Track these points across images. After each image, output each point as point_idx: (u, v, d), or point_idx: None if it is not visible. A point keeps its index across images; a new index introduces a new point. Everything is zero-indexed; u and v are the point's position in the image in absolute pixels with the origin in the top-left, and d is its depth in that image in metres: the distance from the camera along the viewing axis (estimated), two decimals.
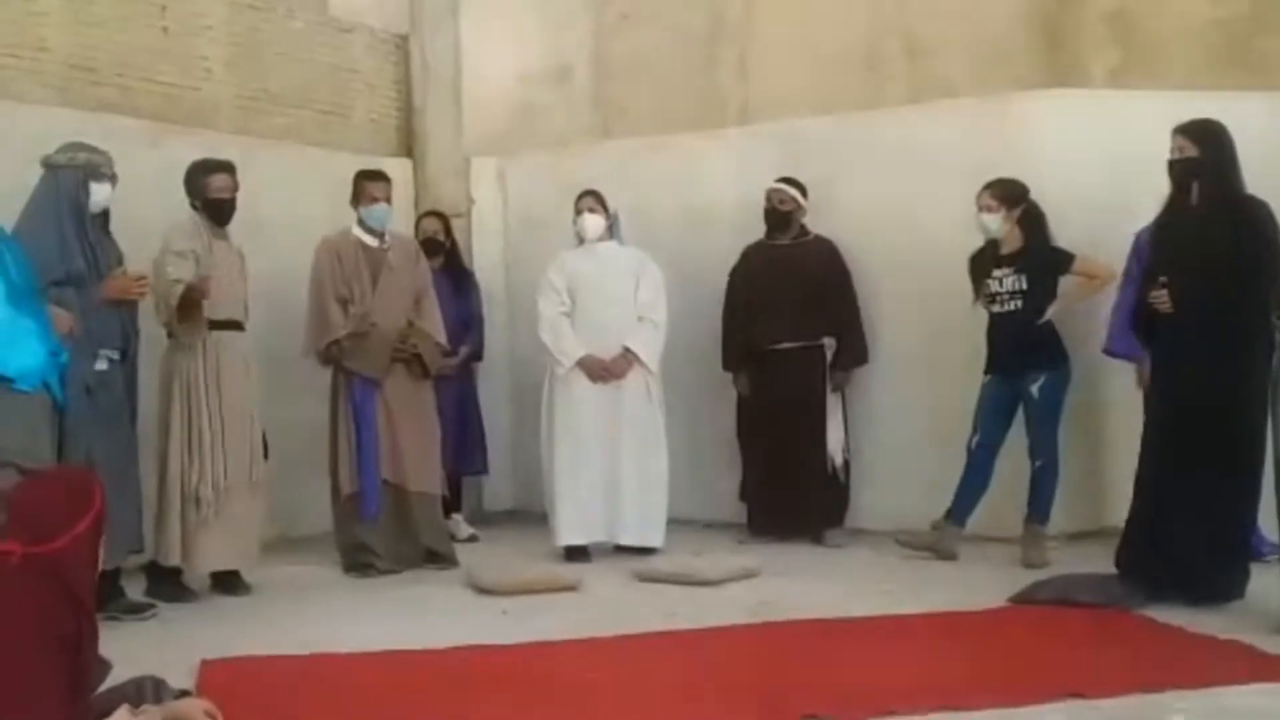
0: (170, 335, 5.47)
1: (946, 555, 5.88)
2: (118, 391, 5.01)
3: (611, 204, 6.45)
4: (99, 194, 4.99)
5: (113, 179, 5.06)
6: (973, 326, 6.05)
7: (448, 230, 7.20)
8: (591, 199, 6.41)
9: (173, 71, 6.64)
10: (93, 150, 5.00)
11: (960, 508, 5.91)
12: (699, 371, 6.92)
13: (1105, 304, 5.89)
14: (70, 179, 4.91)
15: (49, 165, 4.94)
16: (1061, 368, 5.83)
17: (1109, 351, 5.89)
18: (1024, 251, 5.85)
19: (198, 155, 5.79)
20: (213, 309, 5.40)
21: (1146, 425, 4.99)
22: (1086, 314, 6.04)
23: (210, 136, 6.44)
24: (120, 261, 5.11)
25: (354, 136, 7.64)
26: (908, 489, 6.40)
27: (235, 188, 5.56)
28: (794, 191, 6.64)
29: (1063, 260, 5.82)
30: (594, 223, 6.37)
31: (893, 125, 6.82)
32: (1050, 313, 5.77)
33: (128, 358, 5.09)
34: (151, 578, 5.45)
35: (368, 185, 6.12)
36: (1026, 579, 5.21)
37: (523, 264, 7.77)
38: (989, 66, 7.08)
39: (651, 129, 7.80)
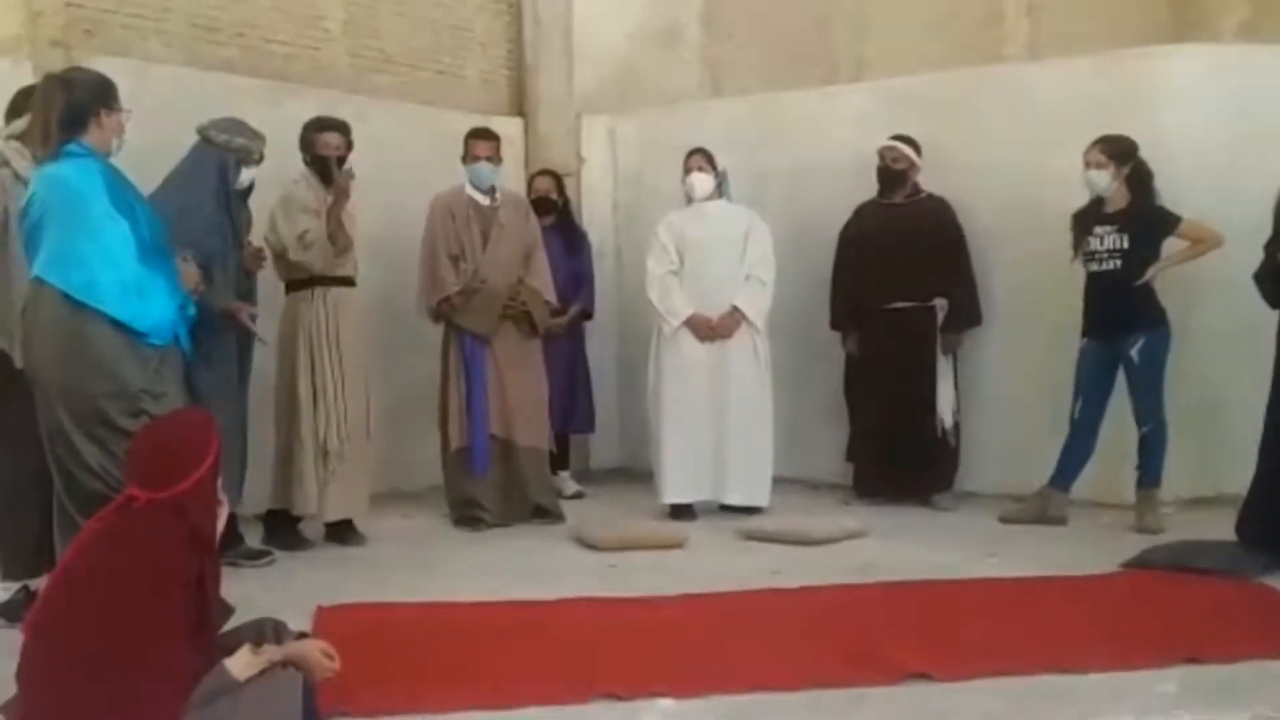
0: (288, 290, 5.60)
1: (1056, 520, 5.79)
2: (231, 353, 5.18)
3: (720, 163, 6.41)
4: (246, 177, 5.20)
5: (260, 161, 5.24)
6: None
7: (560, 189, 7.24)
8: (700, 158, 6.38)
9: (291, 31, 6.75)
10: (252, 135, 5.18)
11: (1065, 473, 5.82)
12: (807, 331, 6.87)
13: (1225, 265, 5.69)
14: (224, 161, 5.12)
15: (206, 139, 5.13)
16: (1160, 329, 5.68)
17: None
18: (1129, 210, 5.70)
19: (314, 114, 5.90)
20: (329, 265, 5.52)
21: (1272, 388, 4.84)
22: (1211, 276, 5.85)
23: (326, 95, 6.54)
24: (249, 228, 5.31)
25: (467, 95, 7.71)
26: (1018, 453, 6.30)
27: (346, 147, 5.65)
28: (908, 149, 6.54)
29: (1169, 221, 5.65)
30: (703, 181, 6.35)
31: (1012, 83, 6.67)
32: (1150, 274, 5.62)
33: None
34: (270, 526, 5.61)
35: (473, 143, 6.18)
36: (1140, 544, 5.12)
37: (632, 223, 7.79)
38: (1111, 23, 6.89)
39: (763, 87, 7.73)
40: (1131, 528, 5.59)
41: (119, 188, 3.85)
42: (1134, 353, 5.65)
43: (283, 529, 5.59)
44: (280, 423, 5.58)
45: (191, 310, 4.09)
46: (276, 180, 5.88)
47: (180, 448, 2.93)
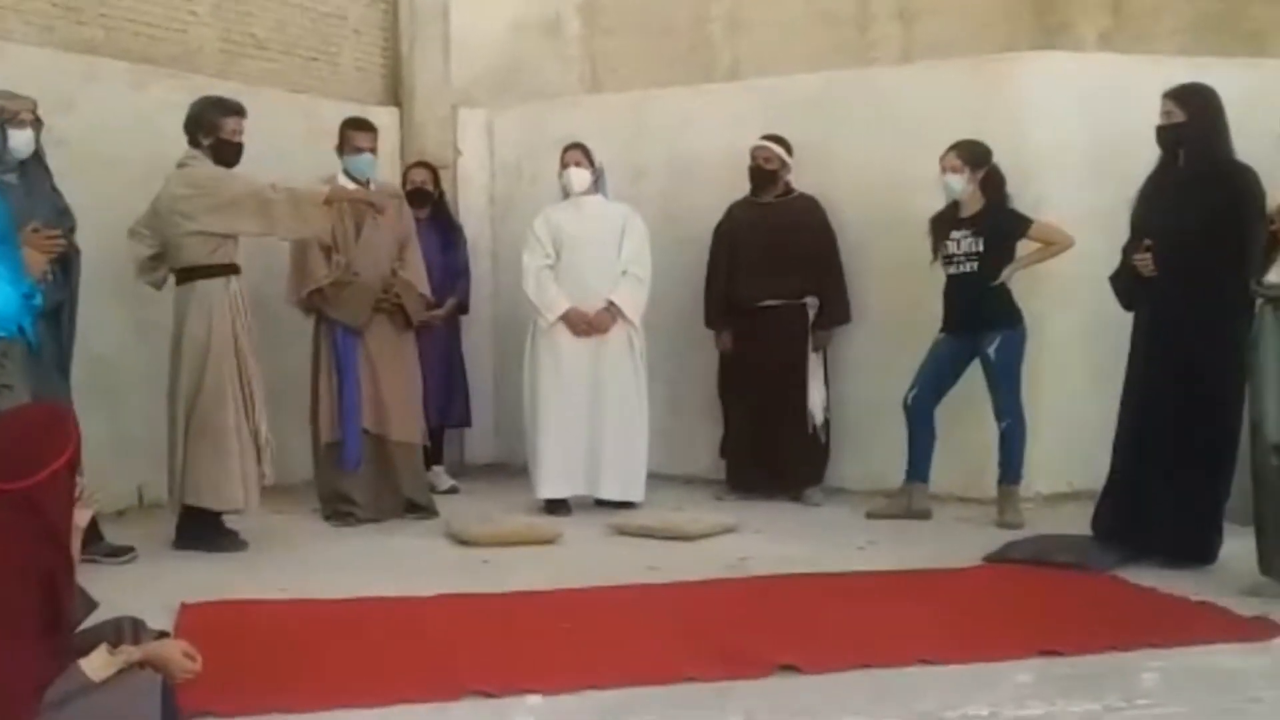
0: (185, 280, 5.34)
1: (919, 514, 5.94)
2: (46, 340, 4.73)
3: (597, 158, 6.42)
4: (17, 140, 4.80)
5: (35, 124, 4.89)
6: None
7: (436, 181, 7.16)
8: (578, 152, 6.38)
9: (157, 13, 6.55)
10: (10, 96, 4.81)
11: (917, 464, 5.98)
12: (682, 327, 6.91)
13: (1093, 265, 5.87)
14: None
15: None
16: (1017, 328, 5.86)
17: None
18: (983, 214, 5.87)
19: (182, 99, 5.73)
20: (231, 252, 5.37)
21: (1126, 388, 5.01)
22: (1079, 276, 6.02)
23: (195, 80, 6.36)
24: (65, 214, 4.98)
25: (340, 83, 7.58)
26: (887, 449, 6.40)
27: (243, 132, 5.44)
28: (779, 149, 6.62)
29: (1021, 224, 5.84)
30: (579, 176, 6.35)
31: (882, 85, 6.80)
32: (1005, 275, 5.81)
33: (46, 307, 4.67)
34: (191, 527, 5.33)
35: (353, 134, 6.08)
36: (1002, 539, 5.27)
37: (508, 216, 7.75)
38: (979, 29, 7.06)
39: (640, 83, 7.75)
40: (993, 522, 5.75)
41: None
42: (991, 350, 5.81)
43: (209, 529, 5.34)
44: (186, 415, 5.28)
45: (38, 300, 3.92)
46: (146, 163, 5.73)
47: (35, 438, 2.82)
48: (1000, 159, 5.90)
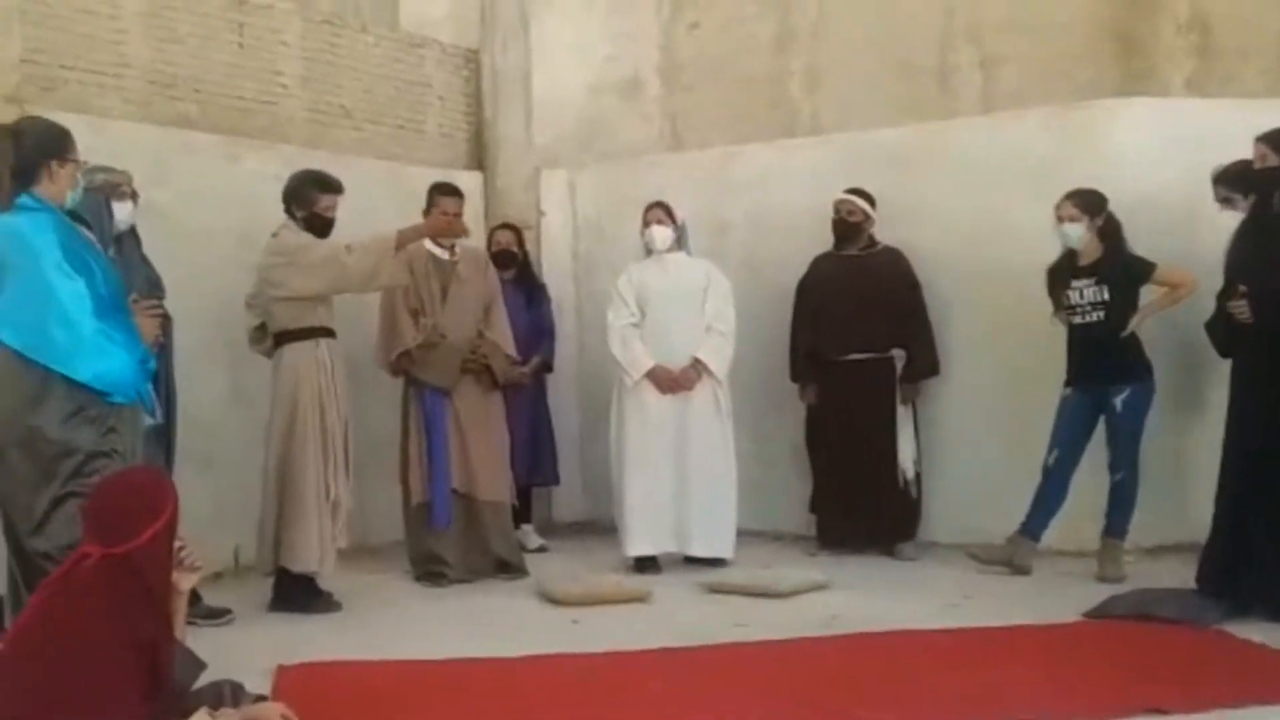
0: (281, 343, 5.47)
1: (1020, 569, 5.80)
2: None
3: (679, 215, 6.46)
4: (120, 212, 4.99)
5: (134, 196, 5.09)
6: (1044, 338, 5.97)
7: (520, 242, 7.25)
8: (659, 210, 6.42)
9: (249, 87, 6.74)
10: (110, 170, 5.00)
11: (1035, 522, 5.82)
12: (768, 382, 6.89)
13: (1183, 314, 5.79)
14: (92, 202, 4.79)
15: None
16: (1147, 380, 5.73)
17: None
18: (1104, 261, 5.75)
19: (273, 169, 5.90)
20: (323, 316, 5.49)
21: (1227, 438, 4.90)
22: (1164, 323, 5.93)
23: (285, 151, 6.54)
24: (156, 284, 5.12)
25: (426, 150, 7.72)
26: (980, 502, 6.33)
27: (336, 209, 5.58)
28: (862, 202, 6.60)
29: (1144, 269, 5.71)
30: (662, 234, 6.38)
31: (965, 135, 6.76)
32: (1134, 324, 5.67)
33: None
34: (286, 589, 5.41)
35: (440, 199, 6.16)
36: (1102, 594, 5.14)
37: (592, 275, 7.81)
38: (1062, 77, 6.99)
39: (721, 140, 7.80)
40: (1094, 576, 5.62)
41: (74, 242, 3.78)
42: (1119, 402, 5.68)
43: (304, 591, 5.41)
44: (277, 477, 5.37)
45: (152, 364, 4.03)
46: (239, 231, 5.87)
47: (133, 503, 2.89)
48: None
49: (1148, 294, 5.78)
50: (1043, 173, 6.08)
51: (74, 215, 3.95)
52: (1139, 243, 5.83)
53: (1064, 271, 5.85)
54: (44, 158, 3.79)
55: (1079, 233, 5.76)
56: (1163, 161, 6.20)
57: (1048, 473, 5.80)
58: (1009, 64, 7.20)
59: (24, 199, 3.74)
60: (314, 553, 5.33)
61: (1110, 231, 5.76)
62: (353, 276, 5.41)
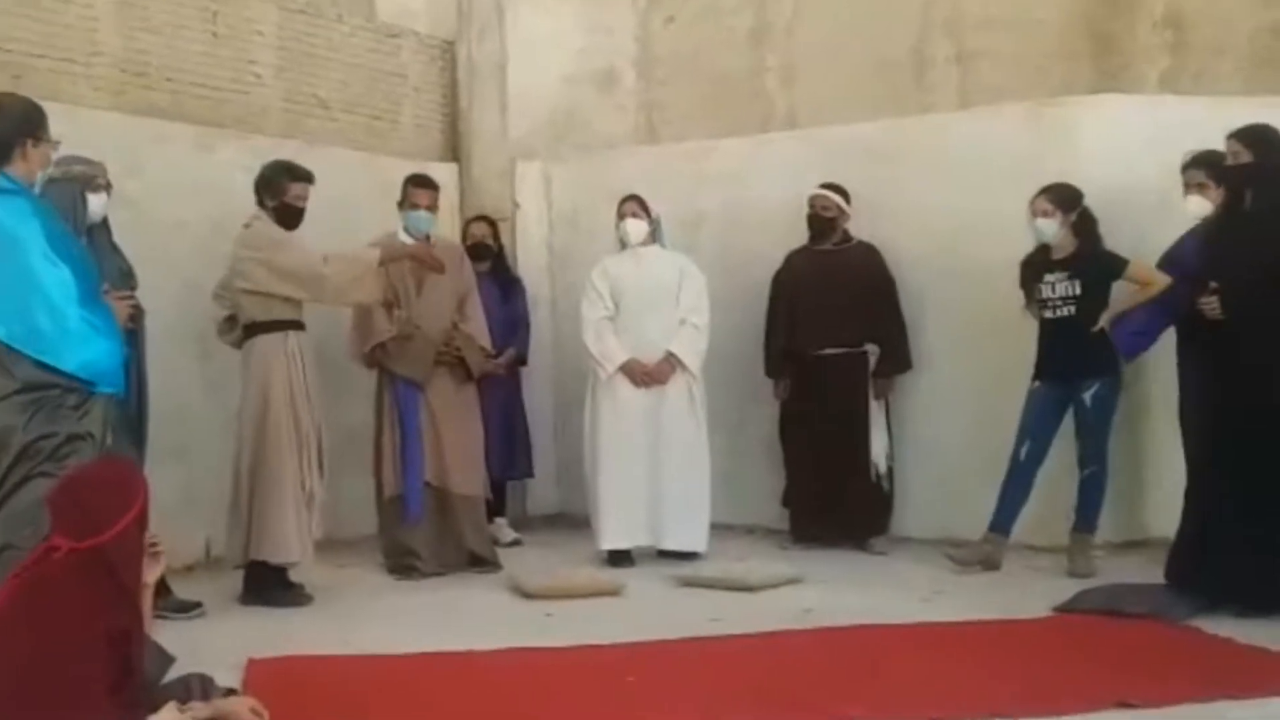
0: (250, 334, 5.45)
1: (991, 565, 5.83)
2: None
3: (654, 208, 6.45)
4: (95, 204, 4.93)
5: (108, 188, 5.04)
6: (1018, 334, 6.00)
7: (495, 235, 7.24)
8: (634, 203, 6.41)
9: (223, 76, 6.69)
10: (87, 162, 4.95)
11: (1004, 517, 5.85)
12: (742, 376, 6.89)
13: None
14: (67, 192, 4.76)
15: (45, 180, 4.88)
16: (1115, 375, 5.77)
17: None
18: (1077, 256, 5.78)
19: (247, 160, 5.86)
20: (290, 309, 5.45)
21: (1194, 434, 4.93)
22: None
23: (259, 141, 6.50)
24: (128, 275, 5.08)
25: (401, 140, 7.69)
26: (952, 497, 6.36)
27: (308, 198, 5.55)
28: (837, 197, 6.61)
29: (1117, 265, 5.74)
30: (636, 227, 6.38)
31: (940, 131, 6.78)
32: (1104, 320, 5.70)
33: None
34: (257, 581, 5.38)
35: (413, 191, 6.15)
36: (1072, 588, 5.17)
37: (566, 268, 7.79)
38: (1038, 73, 7.03)
39: (696, 133, 7.80)
40: (1064, 571, 5.65)
41: (54, 227, 3.70)
42: (1087, 397, 5.71)
43: (275, 584, 5.38)
44: (251, 469, 5.35)
45: (125, 349, 3.98)
46: (212, 222, 5.83)
47: (104, 496, 2.86)
48: None
49: (1120, 290, 5.81)
50: (1019, 168, 6.10)
51: None
52: (1113, 238, 5.86)
53: (1037, 265, 5.87)
54: (20, 136, 3.70)
55: (1053, 228, 5.78)
56: (1137, 158, 6.23)
57: (1018, 465, 5.82)
58: (986, 59, 7.24)
59: (3, 181, 3.63)
60: (293, 544, 5.31)
61: (1084, 227, 5.79)
62: (328, 290, 5.40)
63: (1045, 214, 5.78)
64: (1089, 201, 5.83)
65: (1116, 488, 5.95)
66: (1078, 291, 5.74)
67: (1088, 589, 5.14)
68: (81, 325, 3.62)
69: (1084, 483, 5.76)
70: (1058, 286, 5.78)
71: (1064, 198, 5.79)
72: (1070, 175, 5.89)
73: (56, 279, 3.60)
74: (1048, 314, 5.82)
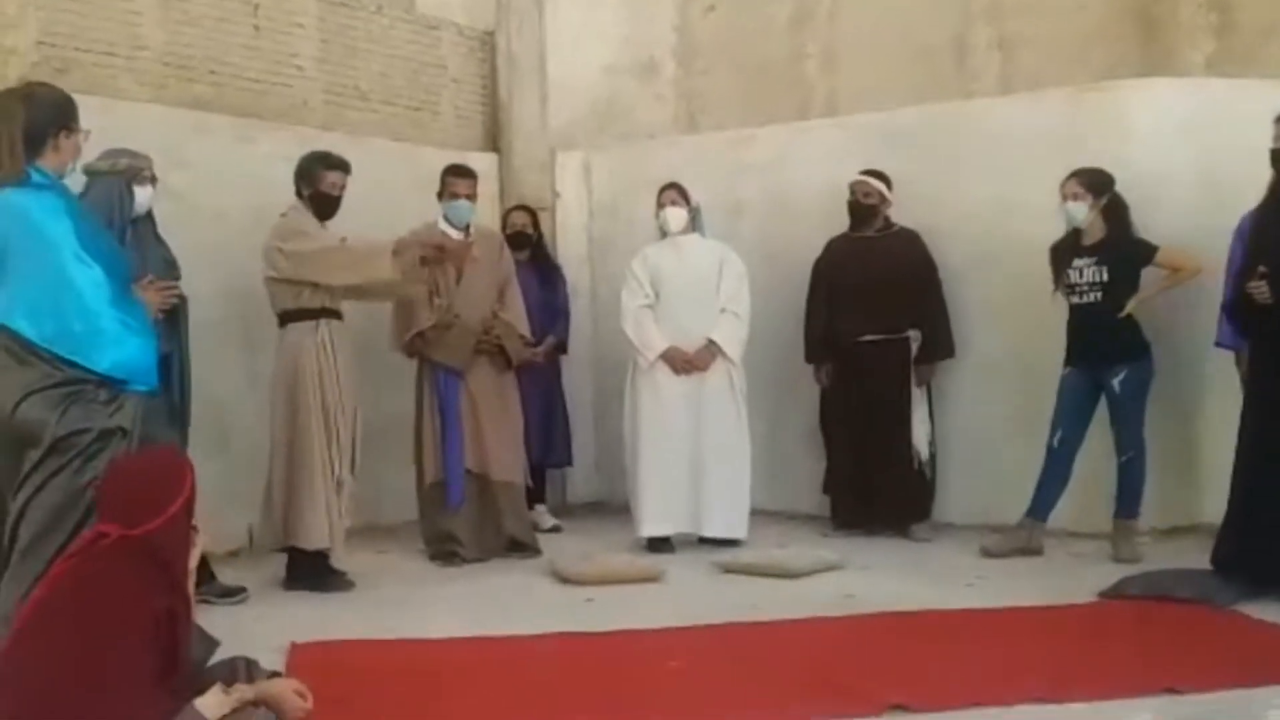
0: (284, 323, 5.49)
1: (1032, 551, 5.79)
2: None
3: (694, 197, 6.44)
4: (141, 197, 5.00)
5: (153, 180, 5.09)
6: (1060, 319, 5.93)
7: (535, 224, 7.26)
8: (674, 192, 6.41)
9: (263, 68, 6.75)
10: (133, 155, 5.01)
11: (1043, 503, 5.82)
12: (782, 363, 6.87)
13: (1195, 295, 5.78)
14: (113, 185, 4.93)
15: (91, 173, 4.91)
16: (1144, 360, 5.71)
17: (1218, 343, 5.73)
18: (1106, 242, 5.73)
19: (288, 151, 5.89)
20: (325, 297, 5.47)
21: (1244, 418, 4.87)
22: (1180, 305, 5.92)
23: (300, 132, 6.55)
24: (172, 265, 5.13)
25: (441, 131, 7.72)
26: (994, 483, 6.31)
27: (345, 187, 5.58)
28: (878, 184, 6.57)
29: (1146, 251, 5.69)
30: (676, 215, 6.37)
31: (982, 117, 6.72)
32: (1131, 305, 5.65)
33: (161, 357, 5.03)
34: (299, 567, 5.43)
35: (452, 181, 6.17)
36: (1117, 574, 5.12)
37: (606, 257, 7.80)
38: (1081, 57, 6.95)
39: (737, 121, 7.78)
40: (1109, 557, 5.60)
41: (86, 224, 3.68)
42: (1116, 383, 5.66)
43: (317, 569, 5.41)
44: (284, 456, 5.40)
45: (160, 343, 3.99)
46: (254, 213, 5.88)
47: (152, 484, 2.90)
48: None
49: (1151, 276, 5.74)
50: (1062, 154, 6.02)
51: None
52: (1159, 222, 5.79)
53: (1067, 250, 5.83)
54: (53, 127, 3.66)
55: (1082, 212, 5.74)
56: (1182, 142, 6.17)
57: (1052, 453, 5.79)
58: (1027, 44, 7.17)
59: (35, 175, 3.60)
60: (324, 530, 5.35)
61: (1114, 212, 5.74)
62: (335, 273, 5.36)
63: (1075, 197, 5.74)
64: (1136, 187, 5.77)
65: (1168, 472, 5.89)
66: (1106, 278, 5.68)
67: (1133, 574, 5.09)
68: (114, 325, 3.59)
69: (1122, 469, 5.71)
70: (1086, 272, 5.73)
71: (1095, 182, 5.74)
72: (1114, 160, 5.83)
73: (89, 279, 3.56)
74: (1075, 299, 5.78)
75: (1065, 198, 5.75)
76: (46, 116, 3.64)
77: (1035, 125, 6.42)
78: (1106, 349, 5.68)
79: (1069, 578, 5.25)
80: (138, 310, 3.76)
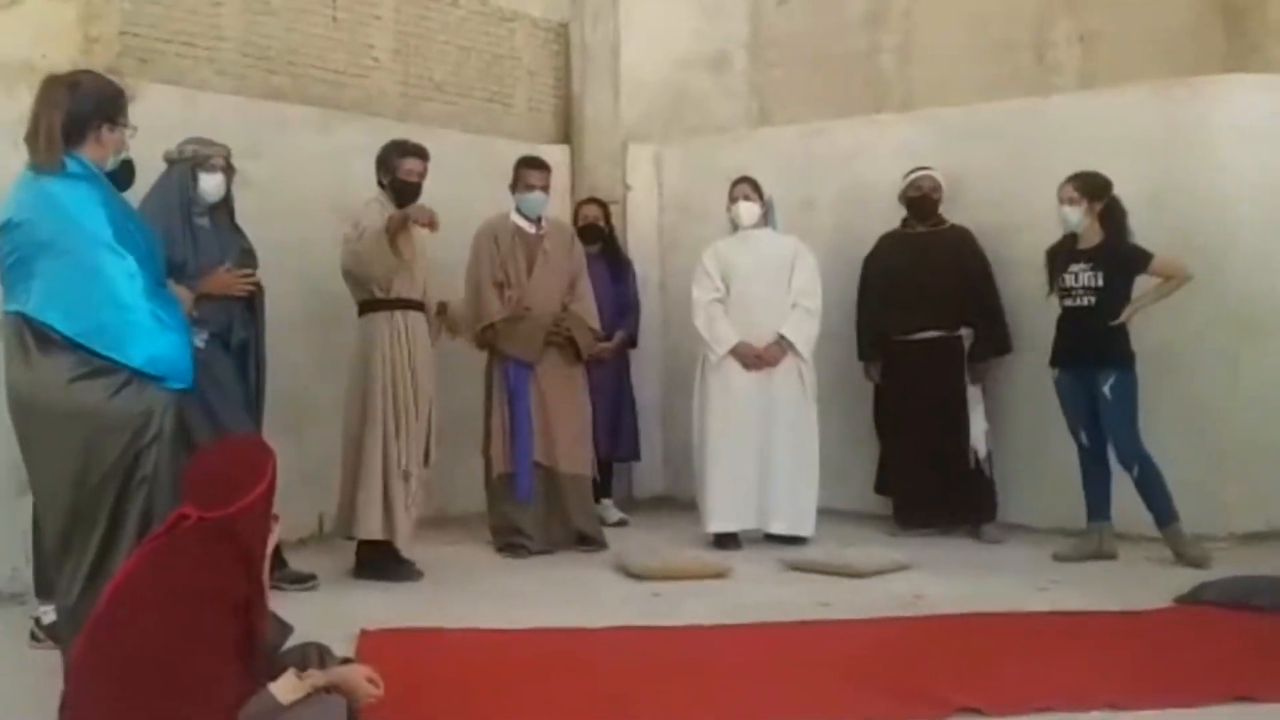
0: (362, 312, 5.54)
1: (1106, 555, 5.71)
2: (222, 375, 4.96)
3: (766, 191, 6.41)
4: (208, 184, 5.00)
5: (226, 170, 5.09)
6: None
7: (607, 217, 7.26)
8: (746, 186, 6.38)
9: (341, 60, 6.81)
10: (205, 143, 5.04)
11: (1096, 504, 5.78)
12: (854, 360, 6.78)
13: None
14: (179, 172, 4.98)
15: (166, 160, 4.99)
16: (1129, 369, 5.65)
17: None
18: (1102, 247, 5.69)
19: (364, 141, 5.94)
20: (401, 287, 5.51)
21: None
22: (1249, 301, 5.78)
23: (376, 123, 6.59)
24: (250, 254, 5.17)
25: (514, 123, 7.75)
26: (1061, 484, 6.18)
27: (424, 174, 5.62)
28: (941, 178, 6.52)
29: (1140, 259, 5.63)
30: (749, 210, 6.34)
31: (1061, 113, 6.61)
32: (1125, 315, 5.60)
33: (233, 345, 5.06)
34: (369, 557, 5.47)
35: (526, 172, 6.20)
36: (1194, 580, 5.03)
37: (677, 250, 7.79)
38: (1163, 53, 6.81)
39: (808, 116, 7.72)
40: (1173, 562, 5.52)
41: (121, 216, 3.55)
42: (1107, 389, 5.62)
43: (386, 559, 5.46)
44: (350, 445, 5.46)
45: (192, 339, 3.93)
46: (331, 203, 5.94)
47: (235, 470, 2.94)
48: (1190, 186, 5.68)
49: (1146, 283, 5.67)
50: (1144, 151, 5.94)
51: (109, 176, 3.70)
52: (1243, 219, 5.67)
53: (1063, 254, 5.79)
54: (96, 118, 3.52)
55: (1077, 216, 5.71)
56: (1269, 139, 6.03)
57: (1085, 452, 5.76)
58: (1108, 39, 7.04)
59: (73, 165, 3.47)
60: (376, 520, 5.37)
61: (1112, 218, 5.68)
62: (352, 259, 5.43)
63: (1071, 201, 5.71)
64: (1219, 183, 5.65)
65: (1244, 478, 5.76)
66: (1100, 283, 5.64)
67: (1211, 580, 4.99)
68: (147, 318, 3.46)
69: (1138, 485, 5.64)
70: (1081, 276, 5.69)
71: (1091, 186, 5.70)
72: (1198, 157, 5.75)
73: (122, 269, 3.44)
74: (1069, 302, 5.75)
75: (1061, 201, 5.73)
76: (90, 107, 3.51)
77: (1117, 121, 6.31)
78: (1093, 354, 5.65)
79: (1144, 583, 5.16)
80: (172, 306, 3.64)
